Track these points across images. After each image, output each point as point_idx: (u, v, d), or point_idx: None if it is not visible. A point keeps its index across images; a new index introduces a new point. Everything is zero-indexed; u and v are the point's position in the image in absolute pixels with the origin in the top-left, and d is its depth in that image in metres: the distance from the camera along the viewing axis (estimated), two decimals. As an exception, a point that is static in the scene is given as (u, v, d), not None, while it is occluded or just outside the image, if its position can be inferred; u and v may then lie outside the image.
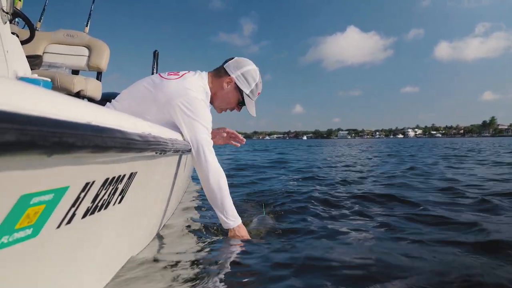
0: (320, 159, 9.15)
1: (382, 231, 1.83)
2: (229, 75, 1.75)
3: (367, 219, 2.15)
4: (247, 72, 1.77)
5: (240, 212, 1.73)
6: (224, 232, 1.72)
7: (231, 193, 1.65)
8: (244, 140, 2.06)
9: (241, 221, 1.65)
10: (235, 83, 1.76)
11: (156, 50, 3.68)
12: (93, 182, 0.69)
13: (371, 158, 9.18)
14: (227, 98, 1.79)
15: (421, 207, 2.38)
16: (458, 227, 1.86)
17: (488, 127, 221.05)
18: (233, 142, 2.07)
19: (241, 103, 1.83)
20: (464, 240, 1.60)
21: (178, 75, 1.63)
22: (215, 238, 1.68)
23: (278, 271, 1.26)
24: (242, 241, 1.58)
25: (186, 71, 1.70)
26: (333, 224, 1.97)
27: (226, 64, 1.79)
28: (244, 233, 1.64)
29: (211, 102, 1.80)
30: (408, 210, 2.35)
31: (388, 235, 1.76)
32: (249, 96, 1.80)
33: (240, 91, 1.78)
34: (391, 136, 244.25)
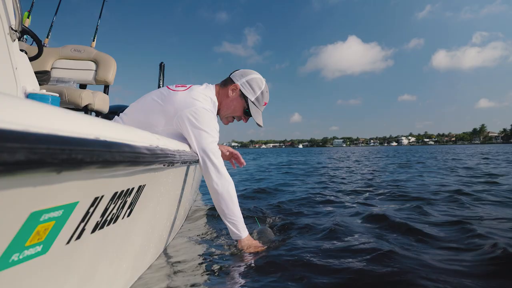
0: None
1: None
2: (235, 83, 1.77)
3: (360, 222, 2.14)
4: (252, 80, 1.78)
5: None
6: (234, 243, 1.70)
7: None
8: (245, 163, 2.04)
9: (247, 232, 1.62)
10: (240, 90, 1.76)
11: (162, 62, 3.73)
12: (102, 196, 0.69)
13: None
14: (232, 105, 1.78)
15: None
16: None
17: (478, 135, 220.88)
18: (232, 161, 2.06)
19: (247, 112, 1.81)
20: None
21: (186, 87, 1.64)
22: (225, 250, 1.66)
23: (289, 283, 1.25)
24: (253, 253, 1.56)
25: (194, 84, 1.72)
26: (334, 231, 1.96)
27: (232, 74, 1.82)
28: (254, 242, 1.62)
29: (218, 112, 1.80)
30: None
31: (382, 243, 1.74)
32: (254, 104, 1.78)
33: (245, 99, 1.77)
34: (385, 144, 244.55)
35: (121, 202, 0.81)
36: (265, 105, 1.84)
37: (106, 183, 0.69)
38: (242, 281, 1.27)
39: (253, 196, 3.66)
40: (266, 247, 1.64)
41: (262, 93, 1.79)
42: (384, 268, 1.32)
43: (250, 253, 1.57)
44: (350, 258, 1.46)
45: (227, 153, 2.04)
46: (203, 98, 1.61)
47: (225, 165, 1.61)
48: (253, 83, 1.77)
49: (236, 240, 1.62)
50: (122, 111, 1.72)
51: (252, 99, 1.77)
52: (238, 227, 1.58)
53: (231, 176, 1.57)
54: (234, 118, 1.86)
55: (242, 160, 2.03)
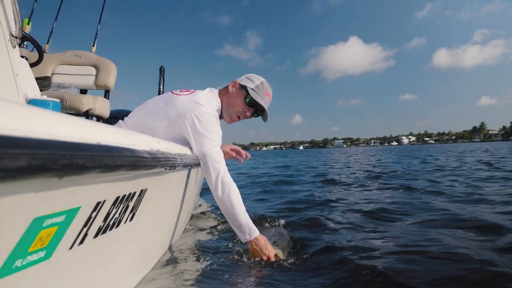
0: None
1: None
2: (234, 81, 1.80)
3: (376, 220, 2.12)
4: (250, 75, 1.82)
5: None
6: (239, 247, 1.69)
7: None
8: (249, 155, 1.99)
9: (258, 232, 1.56)
10: (239, 84, 1.77)
11: (162, 66, 3.72)
12: (104, 201, 0.69)
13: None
14: (233, 98, 1.76)
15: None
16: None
17: (478, 133, 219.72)
18: (238, 157, 1.98)
19: (249, 104, 1.76)
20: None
21: (189, 91, 1.64)
22: (228, 253, 1.66)
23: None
24: (259, 257, 1.54)
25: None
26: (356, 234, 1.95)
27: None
28: (263, 245, 1.55)
29: (221, 112, 1.78)
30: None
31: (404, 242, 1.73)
32: (254, 90, 1.76)
33: (245, 89, 1.75)
34: (386, 144, 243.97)
35: (123, 207, 0.81)
36: (267, 95, 1.80)
37: (108, 188, 0.69)
38: (243, 285, 1.27)
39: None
40: (274, 250, 1.58)
41: (261, 83, 1.79)
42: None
43: (255, 257, 1.55)
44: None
45: (230, 151, 1.93)
46: (206, 102, 1.60)
47: (227, 164, 1.59)
48: (252, 76, 1.82)
49: (245, 242, 1.58)
50: (123, 116, 1.72)
51: (252, 87, 1.76)
52: (243, 230, 1.54)
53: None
54: (238, 117, 1.81)
55: (245, 153, 1.96)
